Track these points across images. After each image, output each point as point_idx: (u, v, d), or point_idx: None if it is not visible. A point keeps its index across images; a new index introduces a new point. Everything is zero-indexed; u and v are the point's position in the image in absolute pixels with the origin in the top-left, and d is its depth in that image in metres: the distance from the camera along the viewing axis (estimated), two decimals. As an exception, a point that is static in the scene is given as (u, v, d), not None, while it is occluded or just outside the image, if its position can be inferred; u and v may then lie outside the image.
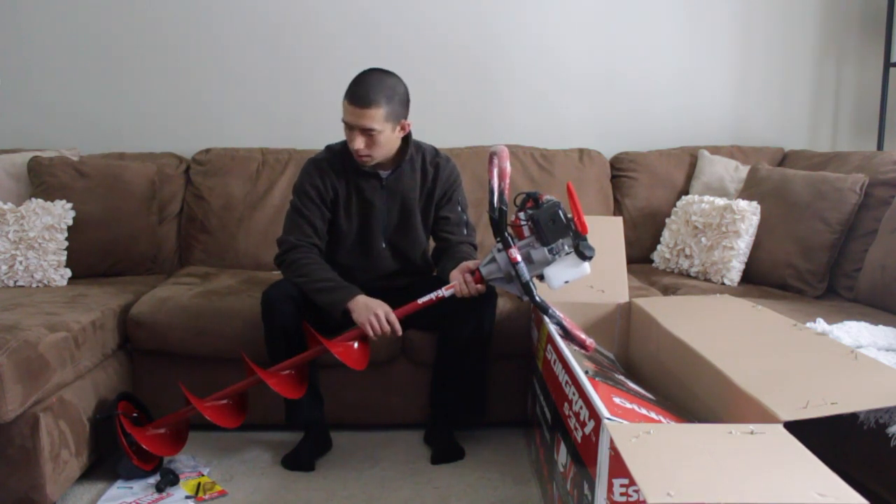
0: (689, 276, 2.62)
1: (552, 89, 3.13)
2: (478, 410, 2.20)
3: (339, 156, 2.11)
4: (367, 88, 1.94)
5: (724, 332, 1.81)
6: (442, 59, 3.04)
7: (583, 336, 1.79)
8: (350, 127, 1.98)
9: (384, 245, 2.16)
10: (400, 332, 1.94)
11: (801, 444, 1.13)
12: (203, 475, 1.99)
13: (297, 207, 2.08)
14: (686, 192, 2.92)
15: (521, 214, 1.81)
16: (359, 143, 1.97)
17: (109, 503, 1.87)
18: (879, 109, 3.10)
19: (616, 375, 1.73)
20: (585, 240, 1.77)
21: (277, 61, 3.05)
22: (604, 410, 1.22)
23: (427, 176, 2.15)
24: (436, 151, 2.19)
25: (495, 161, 1.79)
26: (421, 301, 1.90)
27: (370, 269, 2.17)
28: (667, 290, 2.45)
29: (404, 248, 2.19)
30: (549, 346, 1.78)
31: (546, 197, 1.79)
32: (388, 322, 1.91)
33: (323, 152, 2.14)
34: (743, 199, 2.60)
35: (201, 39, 3.02)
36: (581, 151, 3.02)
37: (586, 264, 1.79)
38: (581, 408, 1.35)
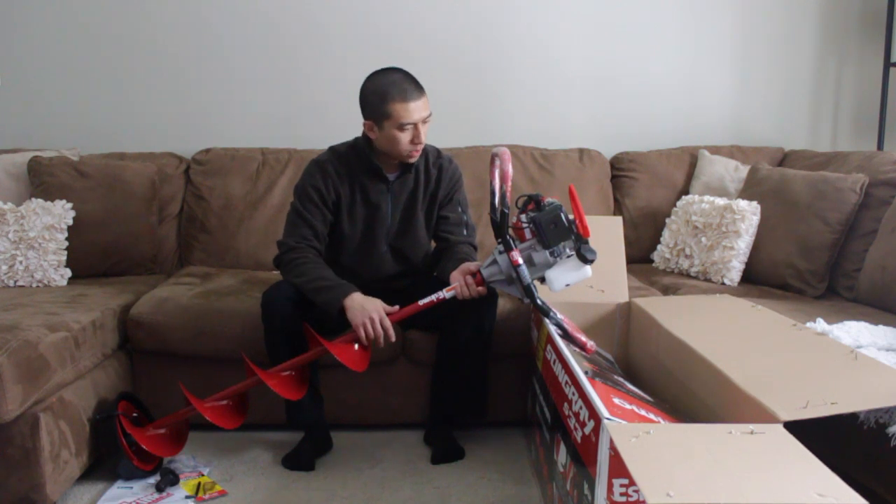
0: (689, 276, 2.62)
1: (552, 89, 3.13)
2: (478, 410, 2.20)
3: (343, 158, 2.10)
4: (413, 78, 1.98)
5: (724, 332, 1.81)
6: (442, 59, 3.04)
7: (583, 338, 1.79)
8: (411, 125, 1.95)
9: (386, 248, 2.16)
10: (393, 338, 1.93)
11: (801, 444, 1.13)
12: (203, 475, 1.99)
13: (297, 209, 2.08)
14: (686, 192, 2.92)
15: (523, 217, 1.81)
16: (424, 135, 1.99)
17: (109, 503, 1.87)
18: (879, 109, 3.10)
19: (615, 377, 1.73)
20: (587, 243, 1.77)
21: (277, 61, 3.05)
22: (604, 410, 1.22)
23: (430, 178, 2.15)
24: (438, 153, 2.18)
25: (497, 163, 1.79)
26: (422, 303, 1.90)
27: (371, 271, 2.17)
28: (667, 290, 2.45)
29: (406, 250, 2.18)
30: (548, 347, 1.78)
31: (548, 199, 1.79)
32: (383, 327, 1.90)
33: (326, 154, 2.12)
34: (743, 199, 2.60)
35: (201, 40, 3.02)
36: (581, 151, 3.02)
37: (588, 267, 1.79)
38: (581, 408, 1.35)
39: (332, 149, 2.14)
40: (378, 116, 1.97)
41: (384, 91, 1.94)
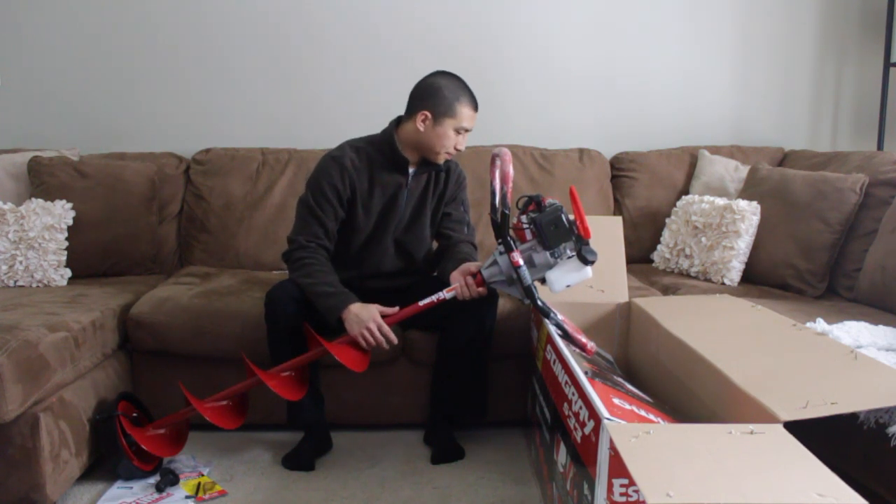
0: (689, 276, 2.62)
1: (552, 89, 3.13)
2: (478, 410, 2.20)
3: (362, 152, 2.09)
4: None
5: (724, 332, 1.81)
6: (442, 59, 3.02)
7: (583, 339, 1.78)
8: (465, 131, 2.05)
9: (391, 241, 2.17)
10: (395, 341, 1.94)
11: (801, 444, 1.13)
12: (203, 475, 2.00)
13: (310, 206, 2.06)
14: (686, 192, 2.92)
15: (524, 218, 1.81)
16: (465, 142, 2.07)
17: (109, 503, 1.87)
18: (879, 109, 3.10)
19: (615, 377, 1.73)
20: (588, 244, 1.77)
21: (277, 61, 3.05)
22: (603, 411, 1.22)
23: (440, 179, 2.17)
24: None
25: (497, 164, 1.79)
26: (422, 303, 1.90)
27: (373, 265, 2.17)
28: (667, 290, 2.45)
29: (409, 245, 2.19)
30: (548, 347, 1.78)
31: (548, 200, 1.79)
32: (382, 333, 1.91)
33: (342, 148, 2.10)
34: (743, 199, 2.60)
35: (201, 40, 3.02)
36: (581, 151, 3.02)
37: (588, 268, 1.79)
38: (581, 408, 1.35)
39: (350, 145, 2.12)
40: (442, 112, 2.00)
41: (459, 92, 2.01)
